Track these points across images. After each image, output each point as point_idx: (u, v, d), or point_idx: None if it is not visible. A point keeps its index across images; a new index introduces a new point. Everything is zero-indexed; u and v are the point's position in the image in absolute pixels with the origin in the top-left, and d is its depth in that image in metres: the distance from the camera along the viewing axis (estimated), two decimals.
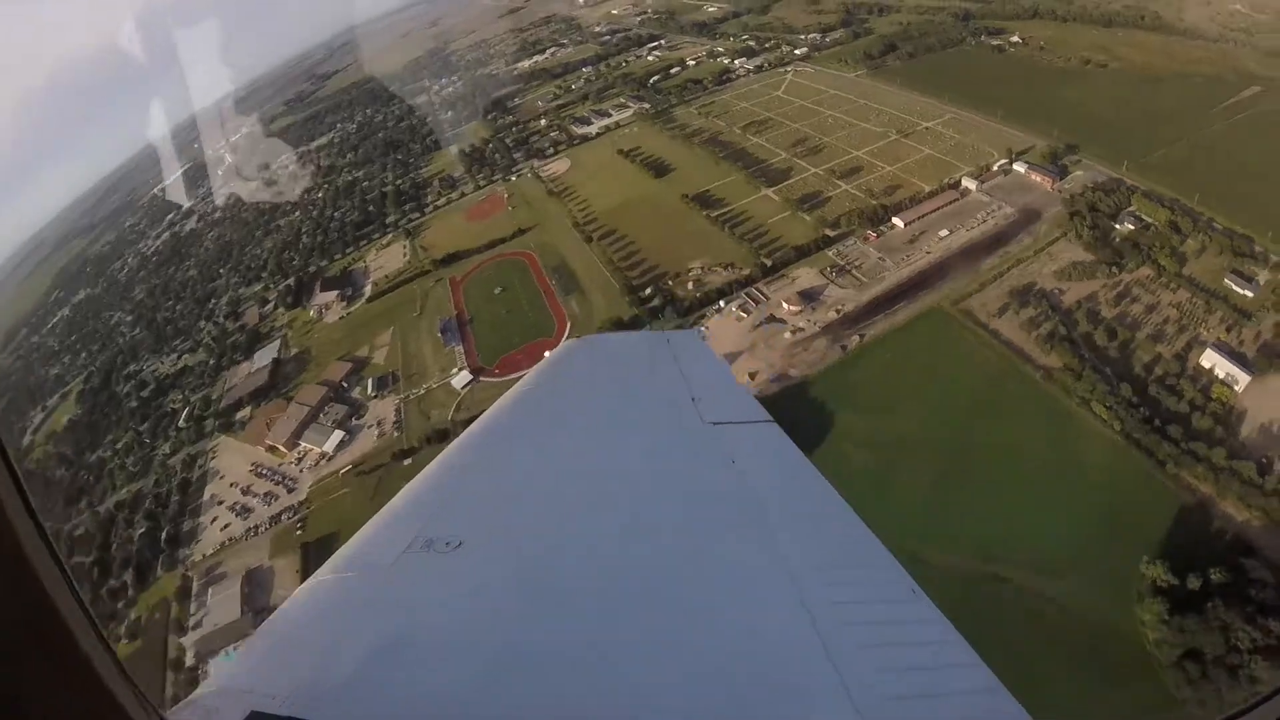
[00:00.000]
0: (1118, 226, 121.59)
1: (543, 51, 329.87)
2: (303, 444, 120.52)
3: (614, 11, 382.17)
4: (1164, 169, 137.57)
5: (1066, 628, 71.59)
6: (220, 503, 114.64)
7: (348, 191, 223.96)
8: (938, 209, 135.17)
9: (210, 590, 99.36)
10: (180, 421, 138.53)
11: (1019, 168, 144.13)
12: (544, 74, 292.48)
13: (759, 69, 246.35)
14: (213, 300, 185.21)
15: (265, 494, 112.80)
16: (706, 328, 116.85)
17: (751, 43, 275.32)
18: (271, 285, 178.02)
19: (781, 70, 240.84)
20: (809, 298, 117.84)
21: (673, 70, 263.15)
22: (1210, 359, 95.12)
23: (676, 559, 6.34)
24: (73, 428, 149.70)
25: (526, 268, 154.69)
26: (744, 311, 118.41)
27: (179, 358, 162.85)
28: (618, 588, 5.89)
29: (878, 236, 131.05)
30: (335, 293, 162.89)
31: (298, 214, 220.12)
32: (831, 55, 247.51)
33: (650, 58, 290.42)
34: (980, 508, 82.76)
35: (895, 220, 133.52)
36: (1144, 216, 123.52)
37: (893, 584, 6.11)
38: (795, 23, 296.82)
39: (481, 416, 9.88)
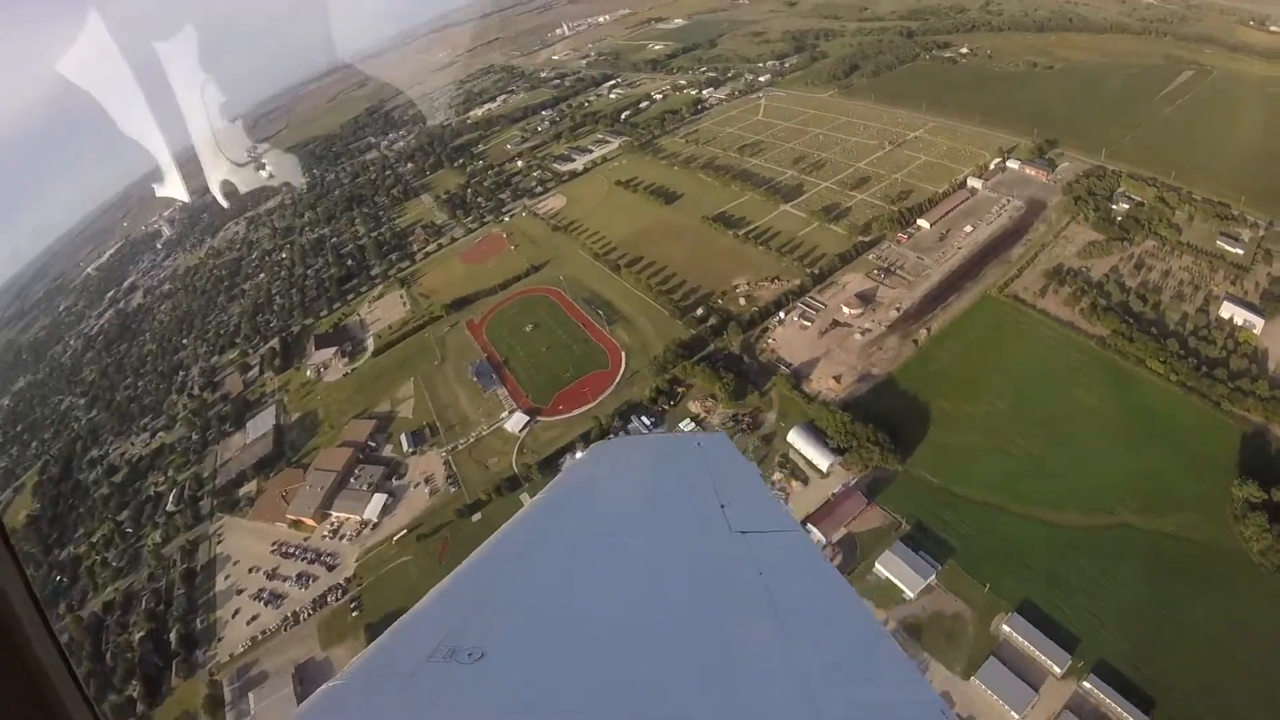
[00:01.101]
0: (1115, 207, 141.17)
1: (493, 99, 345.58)
2: (335, 514, 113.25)
3: (555, 58, 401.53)
4: (1136, 152, 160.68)
5: (1183, 554, 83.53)
6: (240, 591, 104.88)
7: (316, 249, 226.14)
8: (954, 208, 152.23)
9: (252, 696, 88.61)
10: (169, 505, 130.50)
11: (1013, 165, 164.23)
12: (501, 119, 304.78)
13: (730, 96, 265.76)
14: (181, 373, 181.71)
15: (299, 575, 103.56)
16: (783, 324, 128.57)
17: (713, 73, 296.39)
18: (249, 350, 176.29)
19: (753, 96, 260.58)
20: (865, 300, 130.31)
21: (642, 104, 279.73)
22: (1228, 310, 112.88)
23: (702, 677, 6.39)
24: (33, 523, 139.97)
25: (554, 303, 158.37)
26: (806, 320, 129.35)
27: (152, 436, 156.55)
28: (642, 705, 6.01)
29: (909, 238, 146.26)
30: (333, 349, 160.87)
31: (262, 276, 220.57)
32: (795, 79, 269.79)
33: (613, 95, 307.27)
34: (1082, 465, 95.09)
35: (920, 222, 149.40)
36: (1134, 196, 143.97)
37: (917, 697, 6.30)
38: (746, 53, 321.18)
39: (509, 521, 10.38)
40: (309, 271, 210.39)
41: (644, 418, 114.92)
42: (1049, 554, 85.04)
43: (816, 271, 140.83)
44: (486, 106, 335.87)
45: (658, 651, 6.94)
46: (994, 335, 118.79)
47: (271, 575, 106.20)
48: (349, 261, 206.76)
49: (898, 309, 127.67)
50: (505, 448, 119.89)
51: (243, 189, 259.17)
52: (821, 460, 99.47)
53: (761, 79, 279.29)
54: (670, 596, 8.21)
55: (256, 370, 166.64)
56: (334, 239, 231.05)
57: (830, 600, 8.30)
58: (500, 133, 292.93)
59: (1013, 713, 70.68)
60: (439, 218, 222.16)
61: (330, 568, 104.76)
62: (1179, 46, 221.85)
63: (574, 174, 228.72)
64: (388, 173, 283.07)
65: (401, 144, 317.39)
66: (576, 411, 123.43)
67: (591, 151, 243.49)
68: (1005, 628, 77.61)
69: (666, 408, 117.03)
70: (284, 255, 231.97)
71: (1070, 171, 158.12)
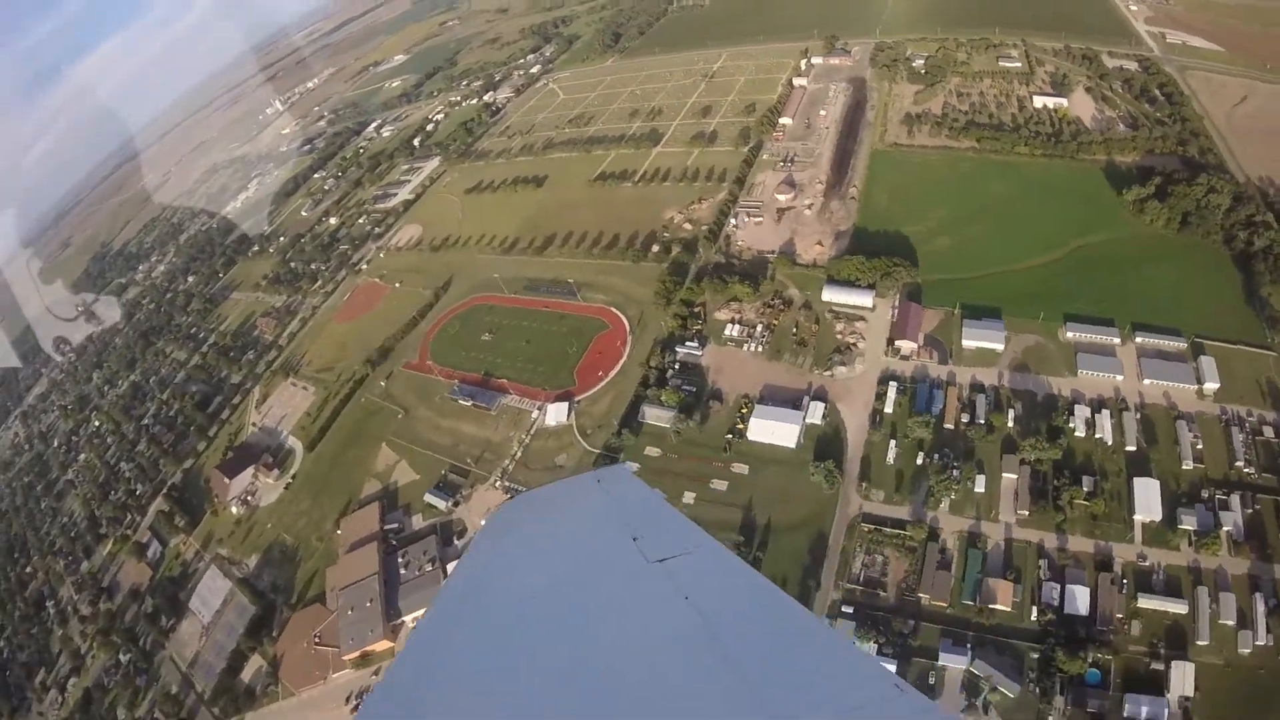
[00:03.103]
0: (914, 64, 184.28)
1: (243, 189, 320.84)
2: (408, 616, 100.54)
3: (284, 131, 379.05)
4: (895, 24, 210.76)
5: (1124, 248, 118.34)
6: None
7: (136, 397, 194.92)
8: (800, 102, 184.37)
9: None
10: None
11: (817, 60, 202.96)
12: (268, 199, 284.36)
13: (517, 92, 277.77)
14: (49, 603, 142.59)
15: None
16: (740, 227, 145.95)
17: (478, 82, 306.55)
18: (127, 532, 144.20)
19: (538, 85, 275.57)
20: (790, 185, 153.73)
21: (427, 128, 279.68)
22: (1039, 100, 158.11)
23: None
24: None
25: (494, 306, 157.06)
26: (755, 218, 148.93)
27: (62, 693, 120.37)
28: None
29: (783, 134, 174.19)
30: (249, 470, 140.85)
31: (83, 457, 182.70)
32: (565, 62, 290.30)
33: (385, 133, 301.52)
34: (1025, 226, 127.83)
35: (782, 120, 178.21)
36: (921, 53, 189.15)
37: (874, 680, 6.57)
38: (493, 59, 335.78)
39: (434, 600, 10.90)
40: (146, 420, 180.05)
41: (687, 344, 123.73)
42: (1050, 282, 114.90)
43: (734, 181, 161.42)
44: (241, 197, 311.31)
45: (602, 701, 7.27)
46: (900, 172, 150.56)
47: None
48: (191, 390, 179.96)
49: (820, 182, 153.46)
50: (564, 439, 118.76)
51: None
52: (863, 299, 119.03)
53: (533, 70, 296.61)
54: (605, 646, 8.38)
55: (156, 545, 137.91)
56: (153, 378, 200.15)
57: (754, 605, 8.65)
58: (278, 211, 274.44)
59: (1116, 376, 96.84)
60: (273, 301, 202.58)
61: None
62: None
63: (407, 204, 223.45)
64: (168, 294, 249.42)
65: (164, 266, 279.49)
66: (613, 372, 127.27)
67: (409, 180, 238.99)
68: (1069, 334, 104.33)
69: (698, 327, 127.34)
70: (97, 424, 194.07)
71: (861, 53, 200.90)
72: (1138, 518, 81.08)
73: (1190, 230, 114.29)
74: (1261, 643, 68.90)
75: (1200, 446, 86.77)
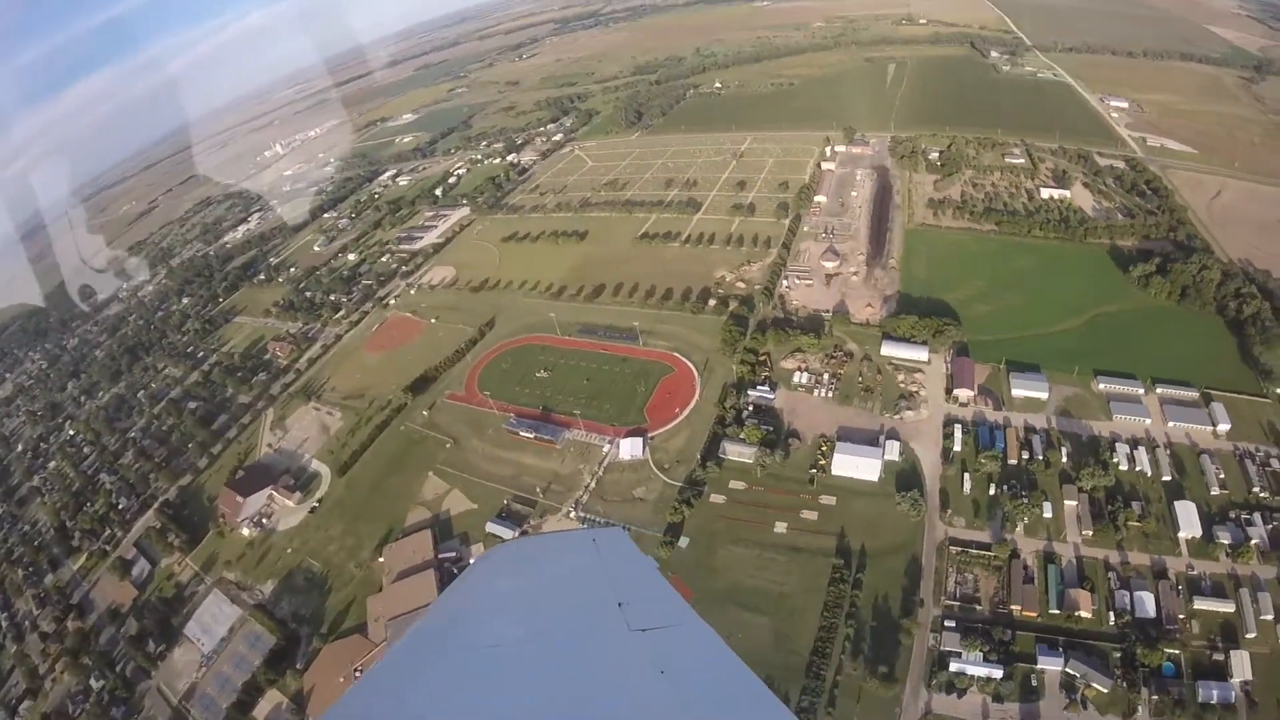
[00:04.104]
0: (929, 157, 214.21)
1: (244, 221, 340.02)
2: None
3: (287, 173, 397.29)
4: (907, 116, 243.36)
5: (1133, 317, 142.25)
6: None
7: (121, 409, 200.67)
8: (830, 184, 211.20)
9: None
10: None
11: (840, 148, 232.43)
12: (276, 232, 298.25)
13: (542, 156, 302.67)
14: (2, 615, 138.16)
15: None
16: (791, 288, 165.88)
17: (499, 144, 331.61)
18: (105, 547, 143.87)
19: (563, 152, 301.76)
20: (834, 254, 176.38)
21: (449, 180, 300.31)
22: (1046, 192, 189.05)
23: None
24: None
25: (547, 347, 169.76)
26: (806, 281, 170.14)
27: (14, 713, 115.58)
28: None
29: (818, 209, 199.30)
30: (265, 491, 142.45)
31: (54, 464, 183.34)
32: (587, 133, 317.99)
33: (402, 181, 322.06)
34: (1050, 297, 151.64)
35: (818, 197, 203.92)
36: (934, 147, 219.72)
37: None
38: (508, 125, 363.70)
39: (406, 634, 10.83)
40: (134, 434, 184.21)
41: (759, 387, 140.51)
42: (1077, 343, 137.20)
43: (781, 246, 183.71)
44: (242, 228, 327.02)
45: None
46: (933, 248, 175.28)
47: None
48: (191, 404, 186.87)
49: (861, 254, 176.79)
50: (641, 473, 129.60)
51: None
52: (919, 354, 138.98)
53: (556, 137, 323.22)
54: (574, 710, 8.55)
55: (144, 563, 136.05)
56: (141, 391, 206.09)
57: (729, 687, 8.94)
58: (284, 245, 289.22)
59: (1145, 419, 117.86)
60: (286, 327, 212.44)
61: None
62: (866, 50, 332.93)
63: (436, 246, 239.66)
64: (158, 313, 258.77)
65: (152, 285, 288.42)
66: (684, 413, 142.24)
67: (436, 226, 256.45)
68: (1100, 385, 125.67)
69: (766, 374, 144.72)
70: (72, 433, 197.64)
71: (879, 144, 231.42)
72: (1181, 535, 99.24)
73: (1189, 302, 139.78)
74: None
75: (1222, 476, 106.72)
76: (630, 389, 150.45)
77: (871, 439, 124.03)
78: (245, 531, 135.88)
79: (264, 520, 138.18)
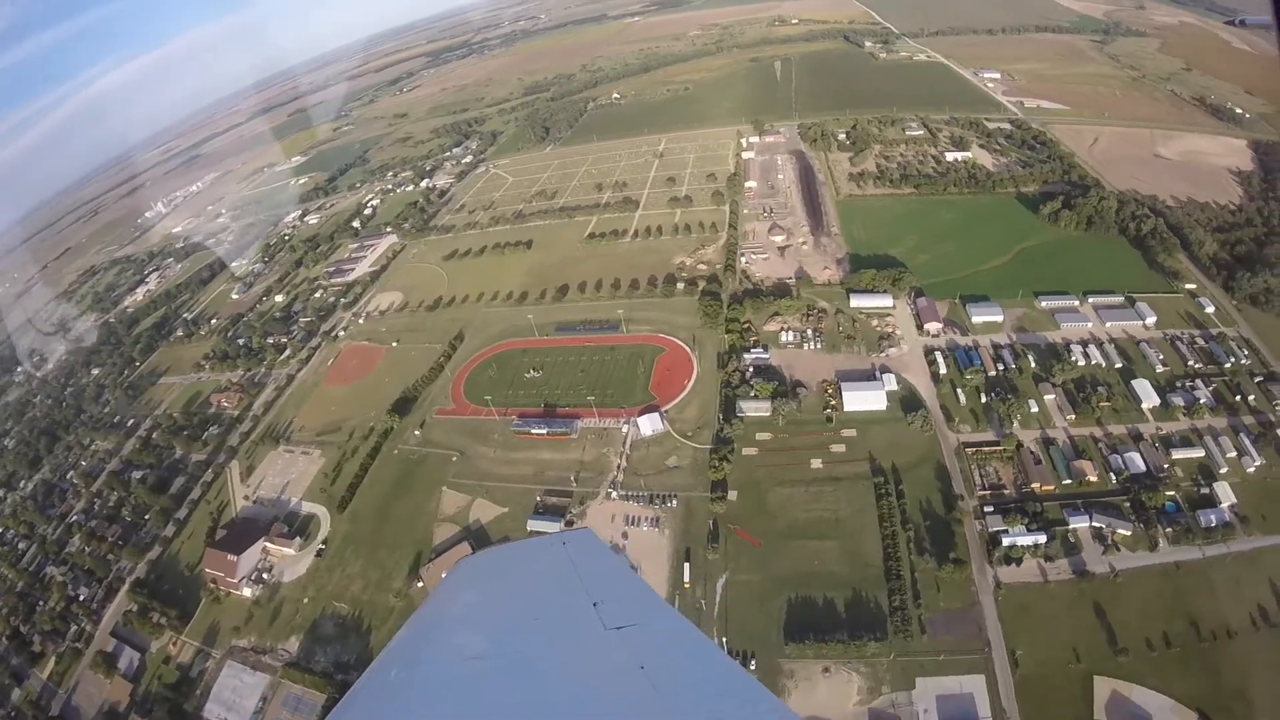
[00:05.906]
0: (839, 138, 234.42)
1: (141, 282, 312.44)
2: None
3: (176, 229, 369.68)
4: (807, 104, 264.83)
5: (1052, 246, 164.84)
6: None
7: (51, 496, 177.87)
8: (755, 170, 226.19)
9: None
10: None
11: (754, 139, 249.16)
12: (182, 288, 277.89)
13: (458, 178, 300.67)
14: None
15: None
16: (750, 263, 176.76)
17: (407, 172, 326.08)
18: (75, 644, 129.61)
19: (479, 171, 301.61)
20: (780, 229, 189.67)
21: (365, 211, 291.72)
22: (951, 155, 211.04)
23: None
24: None
25: (525, 349, 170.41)
26: (761, 255, 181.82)
27: None
28: None
29: (752, 193, 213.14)
30: (259, 543, 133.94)
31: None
32: (496, 152, 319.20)
33: (311, 220, 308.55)
34: (980, 241, 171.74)
35: (748, 183, 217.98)
36: (839, 129, 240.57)
37: None
38: (408, 155, 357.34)
39: (384, 650, 10.90)
40: (75, 518, 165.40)
41: (753, 350, 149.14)
42: (1012, 274, 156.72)
43: (729, 228, 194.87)
44: (142, 290, 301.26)
45: None
46: (865, 214, 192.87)
47: None
48: (136, 473, 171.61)
49: (804, 226, 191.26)
50: (667, 444, 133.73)
51: None
52: (885, 301, 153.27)
53: (465, 160, 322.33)
54: (556, 714, 8.66)
55: (130, 653, 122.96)
56: (69, 473, 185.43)
57: (709, 678, 9.05)
58: (193, 299, 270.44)
59: (1086, 324, 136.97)
60: (226, 377, 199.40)
61: None
62: (748, 51, 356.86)
63: (373, 275, 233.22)
64: (68, 389, 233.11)
65: (52, 362, 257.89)
66: (690, 383, 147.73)
67: (365, 255, 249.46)
68: (1043, 303, 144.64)
69: (754, 338, 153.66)
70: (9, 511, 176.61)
71: (789, 131, 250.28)
72: (1144, 406, 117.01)
73: (1095, 229, 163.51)
74: (1258, 463, 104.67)
75: (1161, 357, 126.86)
76: (629, 372, 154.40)
77: (869, 375, 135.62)
78: (247, 591, 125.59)
79: (264, 575, 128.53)
